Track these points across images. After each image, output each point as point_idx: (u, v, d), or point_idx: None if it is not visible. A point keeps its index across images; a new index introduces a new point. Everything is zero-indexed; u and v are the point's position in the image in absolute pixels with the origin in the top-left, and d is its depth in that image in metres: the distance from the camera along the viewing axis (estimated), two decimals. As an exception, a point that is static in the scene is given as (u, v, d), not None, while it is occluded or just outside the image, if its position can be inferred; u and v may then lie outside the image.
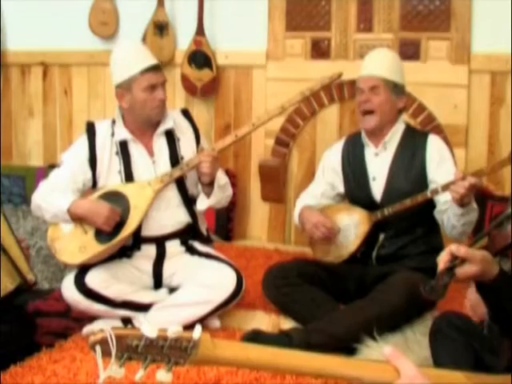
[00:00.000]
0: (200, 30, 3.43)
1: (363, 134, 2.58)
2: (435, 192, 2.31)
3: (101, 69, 3.68)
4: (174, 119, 2.52)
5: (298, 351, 1.22)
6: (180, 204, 2.50)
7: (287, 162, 3.42)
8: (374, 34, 3.22)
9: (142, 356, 1.05)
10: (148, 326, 1.05)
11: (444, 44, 3.10)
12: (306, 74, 3.21)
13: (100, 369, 1.04)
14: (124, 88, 2.42)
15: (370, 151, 2.57)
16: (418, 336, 2.18)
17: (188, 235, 2.52)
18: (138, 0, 3.60)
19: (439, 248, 2.30)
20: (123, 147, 2.47)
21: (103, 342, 1.04)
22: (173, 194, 2.48)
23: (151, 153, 2.49)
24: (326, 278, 2.47)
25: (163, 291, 2.47)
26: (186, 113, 2.62)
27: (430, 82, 3.11)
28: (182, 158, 2.49)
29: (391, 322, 2.21)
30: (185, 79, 3.51)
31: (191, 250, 2.51)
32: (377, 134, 2.53)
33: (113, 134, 2.48)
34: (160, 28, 3.52)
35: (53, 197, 2.38)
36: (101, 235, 2.35)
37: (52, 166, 3.05)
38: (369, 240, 2.49)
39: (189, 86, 3.51)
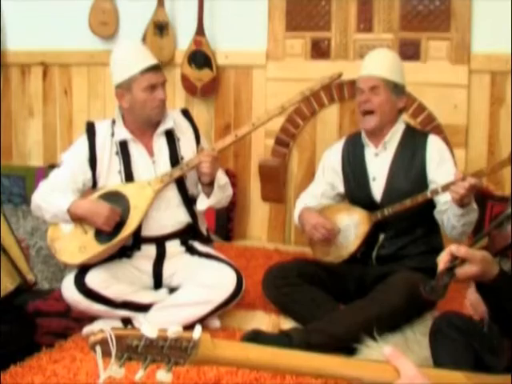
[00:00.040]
0: (200, 30, 3.43)
1: (363, 134, 2.58)
2: (435, 192, 2.31)
3: (101, 69, 3.68)
4: (174, 119, 2.52)
5: (298, 351, 1.22)
6: (180, 204, 2.50)
7: (287, 162, 3.42)
8: (373, 34, 3.22)
9: (142, 356, 1.05)
10: (148, 326, 1.05)
11: (444, 44, 3.10)
12: (306, 74, 3.21)
13: (100, 369, 1.04)
14: (124, 88, 2.42)
15: (370, 151, 2.57)
16: (418, 336, 2.18)
17: (188, 235, 2.52)
18: (138, 0, 3.60)
19: (439, 248, 2.30)
20: (123, 147, 2.47)
21: (103, 342, 1.04)
22: (173, 194, 2.48)
23: (151, 153, 2.49)
24: (325, 278, 2.47)
25: (163, 291, 2.47)
26: (185, 113, 2.62)
27: (429, 82, 3.11)
28: (182, 158, 2.49)
29: (391, 322, 2.21)
30: (185, 79, 3.51)
31: (191, 250, 2.51)
32: (377, 134, 2.53)
33: (113, 134, 2.49)
34: (160, 28, 3.52)
35: (53, 197, 2.38)
36: (101, 235, 2.35)
37: (52, 166, 3.05)
38: (369, 240, 2.49)
39: (189, 86, 3.51)
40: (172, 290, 2.47)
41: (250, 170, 3.53)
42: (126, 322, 2.41)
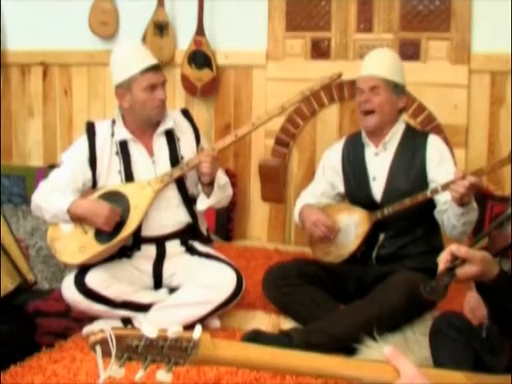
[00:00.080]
0: (200, 30, 3.43)
1: (363, 134, 2.58)
2: (435, 191, 2.31)
3: (101, 69, 3.68)
4: (174, 119, 2.52)
5: (298, 351, 1.22)
6: (180, 204, 2.50)
7: (287, 161, 3.42)
8: (373, 34, 3.22)
9: (142, 356, 1.05)
10: (148, 326, 1.05)
11: (444, 44, 3.10)
12: (306, 74, 3.21)
13: (100, 369, 1.04)
14: (124, 88, 2.42)
15: (370, 151, 2.57)
16: (418, 336, 2.18)
17: (188, 235, 2.52)
18: (138, 0, 3.60)
19: (439, 248, 2.30)
20: (123, 147, 2.47)
21: (103, 342, 1.04)
22: (173, 194, 2.48)
23: (151, 153, 2.49)
24: (325, 278, 2.47)
25: (163, 291, 2.47)
26: (186, 113, 2.62)
27: (429, 82, 3.11)
28: (182, 158, 2.49)
29: (391, 322, 2.21)
30: (185, 79, 3.51)
31: (191, 250, 2.51)
32: (377, 133, 2.53)
33: (113, 134, 2.49)
34: (160, 28, 3.52)
35: (53, 197, 2.38)
36: (101, 235, 2.35)
37: (52, 166, 3.05)
38: (369, 240, 2.49)
39: (189, 86, 3.51)
40: (172, 290, 2.47)
41: (250, 170, 3.53)
42: (126, 321, 2.41)
